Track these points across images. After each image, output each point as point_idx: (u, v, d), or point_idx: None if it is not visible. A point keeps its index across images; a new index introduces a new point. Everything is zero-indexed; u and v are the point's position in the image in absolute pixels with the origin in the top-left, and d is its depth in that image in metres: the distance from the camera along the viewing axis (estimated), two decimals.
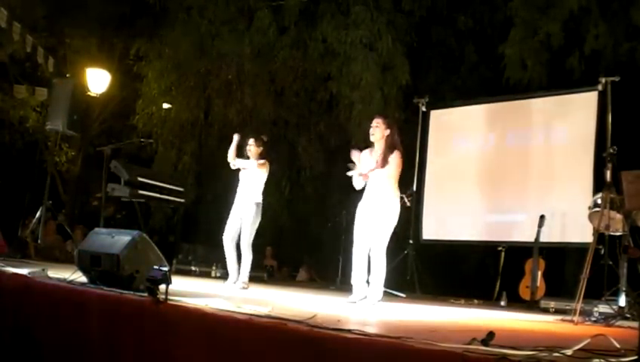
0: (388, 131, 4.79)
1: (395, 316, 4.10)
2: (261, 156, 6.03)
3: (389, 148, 4.75)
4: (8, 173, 13.15)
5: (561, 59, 8.76)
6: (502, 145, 8.36)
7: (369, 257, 4.74)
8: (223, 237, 5.96)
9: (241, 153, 6.14)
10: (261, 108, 11.36)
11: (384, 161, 4.72)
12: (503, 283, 7.57)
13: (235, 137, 6.10)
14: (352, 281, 4.78)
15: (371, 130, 4.85)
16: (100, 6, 12.04)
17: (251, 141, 6.06)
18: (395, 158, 4.72)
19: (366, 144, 5.02)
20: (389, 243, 4.73)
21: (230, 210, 6.06)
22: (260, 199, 5.97)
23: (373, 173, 4.74)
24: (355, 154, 4.86)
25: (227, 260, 5.97)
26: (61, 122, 7.38)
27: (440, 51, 11.20)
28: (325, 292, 7.01)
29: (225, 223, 6.05)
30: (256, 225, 5.92)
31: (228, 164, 6.22)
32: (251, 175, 5.99)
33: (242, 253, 5.86)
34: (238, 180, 6.13)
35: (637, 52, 8.29)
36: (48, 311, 3.47)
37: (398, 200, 4.82)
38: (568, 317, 4.62)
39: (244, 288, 5.69)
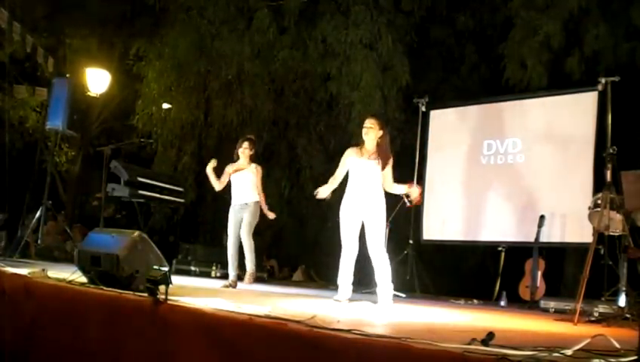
0: (381, 132, 4.86)
1: (395, 316, 4.09)
2: (251, 158, 6.08)
3: (385, 152, 4.86)
4: (8, 173, 13.14)
5: (561, 59, 8.75)
6: (502, 146, 8.36)
7: (371, 258, 4.79)
8: (228, 244, 5.98)
9: (223, 165, 6.18)
10: (261, 108, 11.36)
11: (385, 164, 4.83)
12: (503, 283, 7.58)
13: (211, 168, 6.15)
14: (339, 281, 4.81)
15: (364, 130, 4.89)
16: (100, 6, 12.02)
17: (246, 144, 6.08)
18: (390, 162, 4.87)
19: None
20: (389, 243, 4.76)
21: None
22: (257, 197, 5.99)
23: (365, 172, 4.82)
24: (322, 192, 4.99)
25: (229, 263, 5.98)
26: (61, 122, 7.37)
27: (440, 51, 11.19)
28: (325, 292, 7.00)
29: (225, 224, 6.06)
30: (256, 220, 6.01)
31: (227, 164, 6.23)
32: (245, 177, 6.00)
33: (243, 242, 5.89)
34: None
35: (637, 52, 8.29)
36: (48, 311, 3.46)
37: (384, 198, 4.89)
38: (568, 317, 4.61)
39: (251, 280, 5.73)
